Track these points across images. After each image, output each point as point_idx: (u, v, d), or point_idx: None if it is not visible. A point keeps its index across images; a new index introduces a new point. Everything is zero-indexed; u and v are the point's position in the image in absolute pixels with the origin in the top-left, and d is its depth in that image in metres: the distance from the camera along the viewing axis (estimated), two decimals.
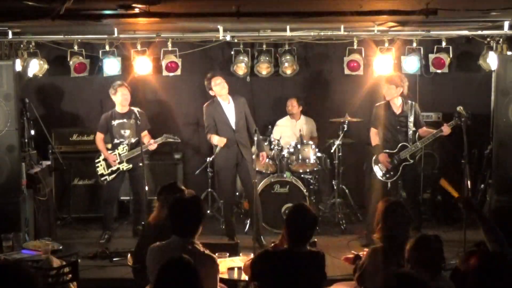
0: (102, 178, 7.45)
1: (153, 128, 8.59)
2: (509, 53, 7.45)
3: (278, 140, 7.97)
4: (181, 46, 8.16)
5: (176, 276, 3.12)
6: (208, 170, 8.24)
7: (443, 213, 8.20)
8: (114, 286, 6.07)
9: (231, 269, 4.60)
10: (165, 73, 8.07)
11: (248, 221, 7.61)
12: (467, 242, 6.23)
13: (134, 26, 7.19)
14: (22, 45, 7.76)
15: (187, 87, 8.93)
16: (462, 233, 6.42)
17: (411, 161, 7.00)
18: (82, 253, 6.69)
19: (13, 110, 6.55)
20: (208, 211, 8.05)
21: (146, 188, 7.14)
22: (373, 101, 8.57)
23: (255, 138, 6.90)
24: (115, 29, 7.31)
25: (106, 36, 7.66)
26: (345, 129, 7.84)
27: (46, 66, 8.02)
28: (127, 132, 7.37)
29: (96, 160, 7.47)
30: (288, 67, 8.25)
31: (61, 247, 5.57)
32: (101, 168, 7.44)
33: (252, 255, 4.83)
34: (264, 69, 8.32)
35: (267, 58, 8.25)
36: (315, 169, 7.91)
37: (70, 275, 4.63)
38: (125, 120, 7.36)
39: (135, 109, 7.20)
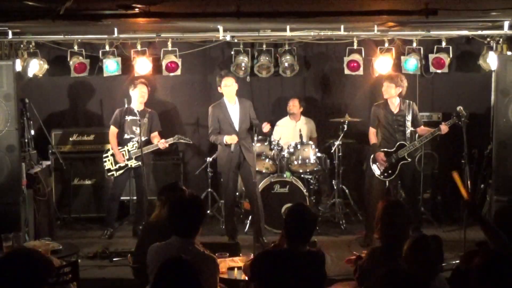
0: (109, 173, 7.49)
1: None
2: (509, 53, 7.45)
3: (278, 141, 7.98)
4: (181, 46, 8.16)
5: (175, 276, 3.12)
6: (208, 170, 8.25)
7: (443, 213, 8.20)
8: (114, 286, 6.07)
9: (231, 269, 4.60)
10: (165, 73, 8.07)
11: (248, 221, 7.61)
12: (467, 242, 6.23)
13: (134, 26, 7.19)
14: (22, 45, 7.76)
15: (187, 87, 8.94)
16: (462, 233, 6.42)
17: (409, 159, 7.00)
18: (82, 253, 6.69)
19: (13, 110, 6.55)
20: (208, 211, 8.05)
21: (146, 187, 7.14)
22: (373, 101, 8.56)
23: (255, 138, 6.88)
24: (115, 29, 7.31)
25: (106, 36, 7.66)
26: (345, 129, 7.84)
27: (46, 66, 8.02)
28: (138, 130, 7.31)
29: (104, 155, 7.53)
30: (288, 67, 8.25)
31: (61, 247, 5.57)
32: (108, 163, 7.47)
33: (252, 255, 4.83)
34: (264, 69, 8.31)
35: (267, 58, 8.25)
36: (315, 169, 7.91)
37: (70, 275, 4.63)
38: (138, 118, 7.28)
39: (149, 110, 7.32)
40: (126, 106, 7.33)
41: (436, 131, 6.89)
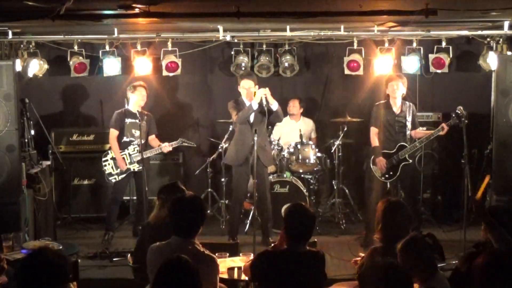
0: (111, 178, 7.35)
1: None
2: (509, 53, 7.45)
3: (278, 140, 7.98)
4: (181, 46, 8.16)
5: (174, 276, 3.12)
6: (208, 170, 8.25)
7: (443, 213, 8.20)
8: (114, 286, 6.07)
9: (231, 269, 4.59)
10: (165, 73, 8.07)
11: (248, 221, 7.61)
12: (467, 242, 6.23)
13: (134, 26, 7.19)
14: (22, 45, 7.75)
15: (187, 87, 8.94)
16: (462, 233, 6.42)
17: (410, 161, 6.99)
18: (82, 253, 6.70)
19: (13, 110, 6.55)
20: (208, 211, 8.05)
21: (146, 188, 7.14)
22: (373, 101, 8.55)
23: (255, 138, 6.87)
24: (115, 29, 7.32)
25: (106, 36, 7.66)
26: (345, 129, 7.85)
27: (46, 66, 8.02)
28: (137, 133, 7.26)
29: (104, 159, 7.39)
30: (288, 67, 8.25)
31: (61, 247, 5.57)
32: (109, 167, 7.35)
33: (252, 255, 4.83)
34: (264, 69, 8.31)
35: (267, 58, 8.25)
36: (315, 169, 7.91)
37: (70, 275, 4.63)
38: (137, 121, 7.24)
39: (146, 112, 7.27)
40: (124, 108, 7.32)
41: (436, 132, 6.88)
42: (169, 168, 8.51)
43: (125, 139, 7.36)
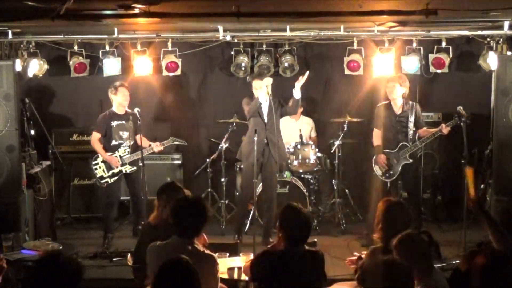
0: (103, 181, 7.24)
1: (153, 128, 8.62)
2: (509, 53, 7.44)
3: None
4: (181, 46, 8.16)
5: (174, 277, 3.12)
6: (208, 170, 8.25)
7: (443, 213, 8.20)
8: (114, 286, 6.07)
9: (231, 269, 4.59)
10: (165, 73, 8.06)
11: (248, 221, 7.61)
12: (467, 242, 6.23)
13: (134, 26, 7.19)
14: (22, 45, 7.75)
15: (187, 87, 8.94)
16: (462, 233, 6.42)
17: (411, 160, 7.00)
18: (82, 253, 6.70)
19: (13, 110, 6.56)
20: (209, 213, 8.03)
21: (146, 188, 7.12)
22: (373, 101, 8.57)
23: (255, 138, 6.87)
24: (115, 29, 7.31)
25: (106, 36, 7.66)
26: (345, 129, 7.85)
27: (46, 66, 8.01)
28: (125, 134, 7.24)
29: (94, 162, 7.28)
30: (288, 67, 8.25)
31: (61, 247, 5.57)
32: (100, 171, 7.24)
33: (252, 255, 4.83)
34: (264, 69, 8.30)
35: (267, 58, 8.25)
36: (315, 169, 7.91)
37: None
38: (123, 122, 7.23)
39: (135, 110, 7.12)
40: (109, 110, 7.27)
41: (437, 132, 6.89)
42: (169, 168, 8.51)
43: (113, 142, 7.24)
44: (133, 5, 5.38)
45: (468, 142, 6.58)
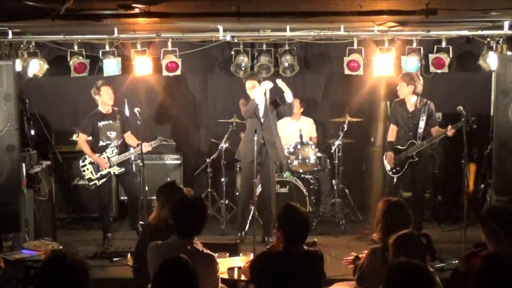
0: (91, 183, 7.16)
1: (153, 128, 8.62)
2: (509, 53, 7.45)
3: None
4: (181, 46, 8.16)
5: (174, 276, 3.12)
6: (208, 170, 8.25)
7: (443, 213, 8.20)
8: (114, 286, 6.06)
9: (231, 269, 4.59)
10: (165, 73, 8.07)
11: (248, 221, 7.61)
12: (467, 242, 6.22)
13: (134, 26, 7.19)
14: (22, 45, 7.75)
15: (187, 87, 8.94)
16: (462, 233, 6.42)
17: (416, 158, 7.03)
18: (82, 253, 6.70)
19: (13, 110, 6.55)
20: (208, 211, 8.03)
21: (146, 188, 7.11)
22: (373, 101, 8.59)
23: (255, 138, 6.87)
24: (115, 29, 7.31)
25: (106, 36, 7.66)
26: (345, 129, 7.85)
27: (46, 66, 8.01)
28: (113, 134, 7.14)
29: (82, 164, 7.19)
30: (288, 67, 8.25)
31: (61, 247, 5.57)
32: (88, 173, 7.15)
33: (252, 255, 4.83)
34: (264, 69, 8.30)
35: (267, 58, 8.25)
36: (315, 169, 7.91)
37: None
38: (110, 121, 7.12)
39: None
40: (95, 110, 7.18)
41: (442, 134, 6.89)
42: (169, 168, 8.51)
43: (101, 143, 7.15)
44: (133, 5, 5.38)
45: (468, 142, 6.58)
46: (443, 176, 8.27)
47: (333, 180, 8.12)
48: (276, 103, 7.19)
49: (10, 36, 7.35)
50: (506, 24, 7.10)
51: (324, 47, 8.59)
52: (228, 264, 4.71)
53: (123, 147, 7.23)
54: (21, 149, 6.72)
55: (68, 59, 7.99)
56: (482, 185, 7.74)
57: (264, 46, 8.27)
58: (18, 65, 7.27)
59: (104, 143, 7.15)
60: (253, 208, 7.34)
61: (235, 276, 4.55)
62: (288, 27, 7.30)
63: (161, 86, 8.76)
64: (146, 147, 7.14)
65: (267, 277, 3.93)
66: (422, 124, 7.02)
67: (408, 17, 6.14)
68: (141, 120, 7.03)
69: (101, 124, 7.13)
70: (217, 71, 8.89)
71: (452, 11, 5.79)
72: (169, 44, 7.84)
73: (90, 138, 7.23)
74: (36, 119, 7.56)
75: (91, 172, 7.16)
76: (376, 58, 7.90)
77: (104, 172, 7.13)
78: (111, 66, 7.98)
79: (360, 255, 4.52)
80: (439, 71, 8.00)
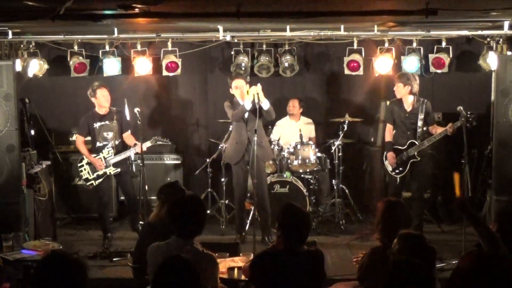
0: (88, 183, 7.18)
1: (152, 129, 8.62)
2: (509, 53, 7.45)
3: (278, 140, 7.99)
4: (181, 46, 8.16)
5: (173, 276, 3.12)
6: (208, 170, 8.25)
7: (443, 213, 8.20)
8: (114, 286, 6.06)
9: (231, 269, 4.60)
10: (165, 73, 8.07)
11: (248, 221, 7.61)
12: (467, 242, 6.22)
13: (134, 26, 7.19)
14: (22, 45, 7.75)
15: (187, 87, 8.94)
16: (462, 233, 6.42)
17: (418, 158, 7.05)
18: (82, 253, 6.70)
19: (13, 110, 6.56)
20: (208, 211, 8.05)
21: (146, 187, 7.12)
22: (373, 101, 8.59)
23: (255, 138, 6.87)
24: (115, 29, 7.31)
25: (106, 36, 7.66)
26: (345, 129, 7.85)
27: (46, 66, 8.02)
28: (110, 135, 7.16)
29: (79, 164, 7.23)
30: (288, 67, 8.25)
31: (61, 247, 5.57)
32: (85, 173, 7.17)
33: (252, 255, 4.83)
34: (264, 69, 8.31)
35: (267, 58, 8.25)
36: (315, 169, 7.91)
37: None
38: (107, 122, 7.15)
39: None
40: (92, 111, 7.20)
41: (442, 133, 6.90)
42: (169, 168, 8.51)
43: (98, 144, 7.18)
44: (133, 5, 5.37)
45: (468, 142, 6.58)
46: (443, 176, 8.26)
47: (333, 180, 8.12)
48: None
49: (10, 36, 7.35)
50: (506, 24, 7.10)
51: (324, 47, 8.59)
52: (228, 264, 4.72)
53: (121, 148, 7.23)
54: (21, 149, 6.73)
55: (68, 59, 7.99)
56: (482, 185, 7.75)
57: (264, 46, 8.27)
58: (18, 65, 7.28)
59: (101, 144, 7.18)
60: (253, 208, 7.34)
61: (235, 276, 4.55)
62: (288, 27, 7.30)
63: (161, 86, 8.76)
64: (142, 147, 7.12)
65: (267, 277, 3.93)
66: (420, 123, 7.05)
67: (408, 17, 6.14)
68: (141, 120, 7.06)
69: (97, 125, 7.16)
70: (217, 71, 8.89)
71: (452, 11, 5.79)
72: (169, 44, 7.84)
73: (89, 138, 7.27)
74: (36, 119, 7.55)
75: (88, 173, 7.18)
76: (376, 58, 7.90)
77: (100, 172, 7.14)
78: (111, 66, 7.98)
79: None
80: (439, 71, 8.00)
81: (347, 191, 8.22)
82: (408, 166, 7.07)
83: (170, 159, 8.53)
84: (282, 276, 3.90)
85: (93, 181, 7.18)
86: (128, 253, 5.26)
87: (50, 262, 3.05)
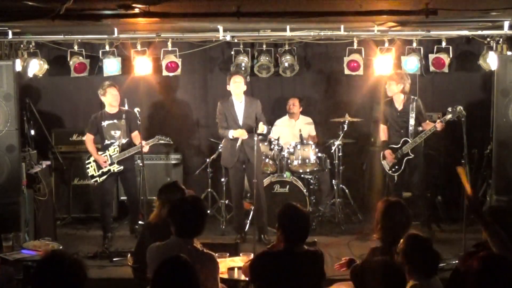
0: (93, 180, 7.27)
1: (152, 128, 8.61)
2: (509, 53, 7.44)
3: (278, 140, 7.98)
4: (181, 46, 8.16)
5: (173, 275, 3.12)
6: (208, 170, 8.25)
7: (443, 213, 8.20)
8: (114, 286, 6.07)
9: (231, 269, 4.60)
10: (165, 73, 8.06)
11: (248, 221, 7.62)
12: (467, 242, 6.22)
13: (134, 26, 7.19)
14: (22, 45, 7.74)
15: (187, 87, 8.94)
16: (462, 233, 6.42)
17: (412, 155, 7.12)
18: (82, 253, 6.70)
19: (13, 110, 6.55)
20: (208, 211, 8.05)
21: (146, 188, 7.12)
22: (373, 101, 8.58)
23: (255, 138, 6.88)
24: (115, 29, 7.31)
25: (106, 36, 7.65)
26: (345, 129, 7.85)
27: (46, 66, 8.01)
28: (117, 133, 7.23)
29: (87, 161, 7.32)
30: (288, 67, 8.25)
31: (61, 247, 5.57)
32: (91, 170, 7.26)
33: (252, 255, 4.83)
34: (264, 69, 8.30)
35: (267, 58, 8.25)
36: (315, 169, 7.91)
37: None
38: (115, 121, 7.22)
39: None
40: (101, 111, 7.29)
41: (432, 128, 6.98)
42: (169, 168, 8.52)
43: (106, 142, 7.26)
44: (133, 5, 5.38)
45: (468, 142, 6.58)
46: (443, 176, 8.27)
47: (333, 180, 8.12)
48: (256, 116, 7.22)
49: (10, 36, 7.35)
50: (506, 24, 7.10)
51: (324, 47, 8.59)
52: (228, 264, 4.72)
53: (127, 146, 7.27)
54: (21, 149, 6.72)
55: (68, 59, 7.98)
56: (483, 185, 7.74)
57: (264, 46, 8.27)
58: (18, 65, 7.27)
59: (108, 142, 7.27)
60: (253, 208, 7.34)
61: (235, 276, 4.55)
62: (288, 27, 7.30)
63: (161, 86, 8.76)
64: (144, 146, 7.17)
65: (267, 277, 3.93)
66: (412, 122, 7.17)
67: (408, 17, 6.14)
68: (141, 120, 7.08)
69: (105, 123, 7.25)
70: (217, 71, 8.89)
71: (452, 11, 5.79)
72: (169, 44, 7.84)
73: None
74: (36, 119, 7.55)
75: (94, 169, 7.27)
76: (376, 58, 7.90)
77: (104, 169, 7.21)
78: (111, 66, 7.98)
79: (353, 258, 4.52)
80: (439, 71, 8.00)
81: (347, 191, 8.23)
82: (404, 163, 7.15)
83: (170, 159, 8.54)
84: (282, 276, 3.90)
85: (97, 178, 7.25)
86: (128, 253, 5.25)
87: (50, 262, 3.04)
